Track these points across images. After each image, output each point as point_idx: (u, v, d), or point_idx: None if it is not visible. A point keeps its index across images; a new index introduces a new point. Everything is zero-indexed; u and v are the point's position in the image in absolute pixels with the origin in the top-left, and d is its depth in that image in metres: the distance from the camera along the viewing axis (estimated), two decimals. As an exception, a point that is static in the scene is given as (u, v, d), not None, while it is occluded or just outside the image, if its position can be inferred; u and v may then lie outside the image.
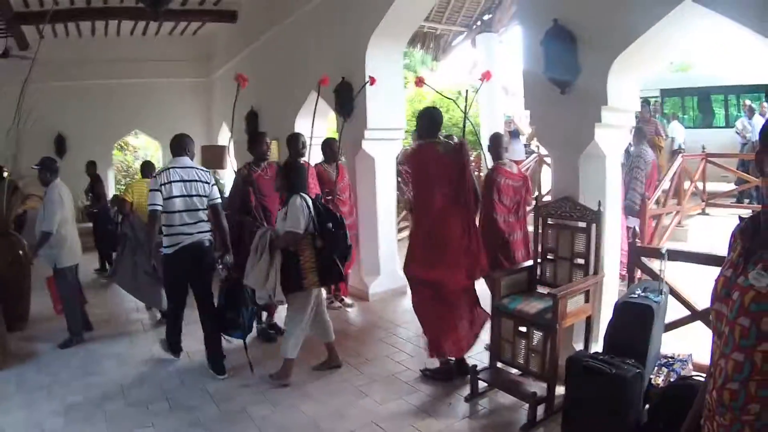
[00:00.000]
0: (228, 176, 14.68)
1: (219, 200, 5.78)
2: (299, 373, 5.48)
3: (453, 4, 13.30)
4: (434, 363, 5.35)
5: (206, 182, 5.63)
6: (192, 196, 5.48)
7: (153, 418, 4.73)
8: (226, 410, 4.83)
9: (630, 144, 7.81)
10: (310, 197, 5.25)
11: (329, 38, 8.70)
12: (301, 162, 6.46)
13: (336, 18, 8.49)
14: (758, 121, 12.71)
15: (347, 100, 8.00)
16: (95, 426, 4.62)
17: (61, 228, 6.35)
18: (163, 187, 5.34)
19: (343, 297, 7.80)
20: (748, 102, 14.52)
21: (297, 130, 9.17)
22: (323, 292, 5.73)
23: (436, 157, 5.07)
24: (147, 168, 7.31)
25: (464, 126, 6.07)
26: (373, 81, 7.42)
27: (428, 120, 5.30)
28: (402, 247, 8.60)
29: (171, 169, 5.50)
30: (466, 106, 5.87)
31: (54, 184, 6.49)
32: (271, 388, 5.22)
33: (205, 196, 5.58)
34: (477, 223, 5.26)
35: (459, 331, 5.19)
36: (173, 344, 6.01)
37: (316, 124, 8.95)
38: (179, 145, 5.80)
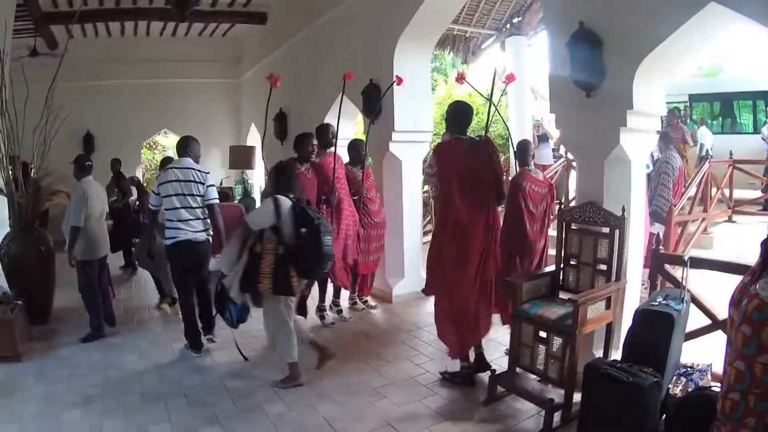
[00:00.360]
0: (257, 176, 14.79)
1: (216, 200, 6.16)
2: (316, 373, 5.48)
3: (482, 7, 13.26)
4: (455, 366, 5.34)
5: (202, 183, 6.01)
6: (186, 195, 5.91)
7: (170, 412, 4.76)
8: (243, 408, 4.85)
9: (655, 150, 7.75)
10: (297, 200, 5.21)
11: (357, 40, 8.70)
12: (329, 153, 6.73)
13: (364, 20, 8.49)
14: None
15: (375, 101, 7.99)
16: (112, 419, 4.66)
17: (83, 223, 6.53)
18: (160, 187, 5.92)
19: (367, 298, 7.80)
20: None
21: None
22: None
23: (461, 153, 5.06)
24: (166, 163, 7.42)
25: (487, 124, 6.01)
26: (399, 81, 7.39)
27: (456, 114, 5.31)
28: (426, 249, 8.65)
29: (170, 170, 6.00)
30: (489, 108, 5.84)
31: (82, 181, 6.73)
32: (289, 388, 5.22)
33: (200, 196, 5.99)
34: (500, 221, 5.23)
35: (478, 324, 5.21)
36: (193, 341, 6.18)
37: (345, 127, 8.99)
38: (183, 147, 6.23)
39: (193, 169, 6.03)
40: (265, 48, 13.57)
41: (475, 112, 6.30)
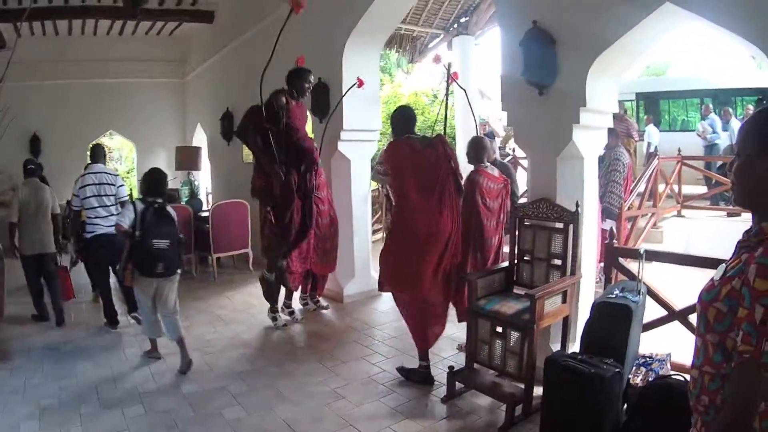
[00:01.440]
0: (203, 177, 14.64)
1: (126, 198, 7.16)
2: (274, 375, 5.47)
3: (431, 6, 13.27)
4: (412, 362, 5.35)
5: (113, 185, 7.10)
6: (102, 195, 6.97)
7: (128, 421, 4.65)
8: (202, 413, 4.77)
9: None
10: (153, 204, 5.73)
11: (307, 39, 8.63)
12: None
13: (313, 19, 8.43)
14: (736, 126, 12.82)
15: (323, 100, 7.96)
16: (70, 429, 4.54)
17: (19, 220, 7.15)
18: (79, 190, 6.91)
19: (318, 299, 7.75)
20: (709, 107, 14.66)
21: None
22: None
23: (415, 151, 5.07)
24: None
25: (446, 123, 6.04)
26: (361, 83, 7.39)
27: (401, 118, 5.33)
28: (376, 248, 8.62)
29: (86, 175, 7.02)
30: (445, 103, 5.87)
31: (24, 182, 7.38)
32: (247, 391, 5.17)
33: (113, 195, 7.06)
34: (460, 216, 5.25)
35: (439, 324, 5.27)
36: (111, 319, 7.05)
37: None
38: (95, 154, 7.35)
39: (106, 172, 7.17)
40: (212, 48, 13.42)
41: (420, 111, 6.35)
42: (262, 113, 6.18)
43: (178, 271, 5.89)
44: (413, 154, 5.05)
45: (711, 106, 14.71)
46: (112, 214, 6.85)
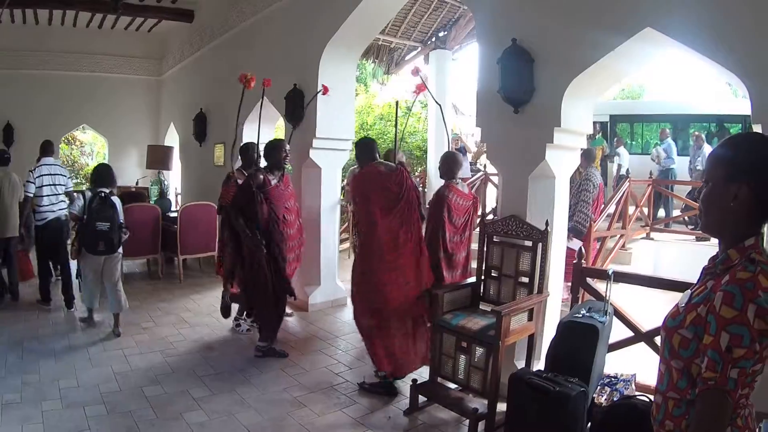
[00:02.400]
0: (173, 177, 14.55)
1: (72, 188, 8.17)
2: (237, 381, 5.44)
3: (409, 19, 13.32)
4: (371, 375, 5.37)
5: (64, 176, 8.18)
6: (54, 185, 7.90)
7: (90, 421, 4.58)
8: (163, 416, 4.71)
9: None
10: (101, 193, 6.61)
11: (284, 45, 8.63)
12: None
13: (292, 25, 8.44)
14: (708, 151, 12.98)
15: (298, 107, 7.95)
16: (32, 427, 4.46)
17: None
18: (36, 179, 7.72)
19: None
20: (666, 131, 14.85)
21: (245, 134, 9.13)
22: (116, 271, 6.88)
23: (381, 176, 5.11)
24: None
25: (395, 142, 6.05)
26: (326, 90, 7.39)
27: (364, 148, 5.50)
28: (342, 258, 8.61)
29: (42, 166, 7.90)
30: (396, 119, 5.91)
31: None
32: (210, 396, 5.13)
33: (63, 185, 8.03)
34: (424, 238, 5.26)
35: (406, 349, 5.24)
36: (45, 296, 7.90)
37: (267, 131, 9.00)
38: (46, 149, 8.22)
39: (57, 165, 8.23)
40: (190, 47, 13.42)
41: (393, 123, 6.40)
42: (249, 194, 5.99)
43: (120, 250, 6.79)
44: (380, 179, 5.11)
45: (668, 130, 14.86)
46: (61, 201, 7.91)
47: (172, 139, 14.77)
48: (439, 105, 7.88)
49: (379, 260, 5.06)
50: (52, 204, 7.80)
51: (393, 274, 5.04)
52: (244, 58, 10.07)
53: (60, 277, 8.02)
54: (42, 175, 7.77)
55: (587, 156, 8.32)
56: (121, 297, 6.80)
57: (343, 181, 10.06)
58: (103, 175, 6.90)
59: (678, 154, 14.13)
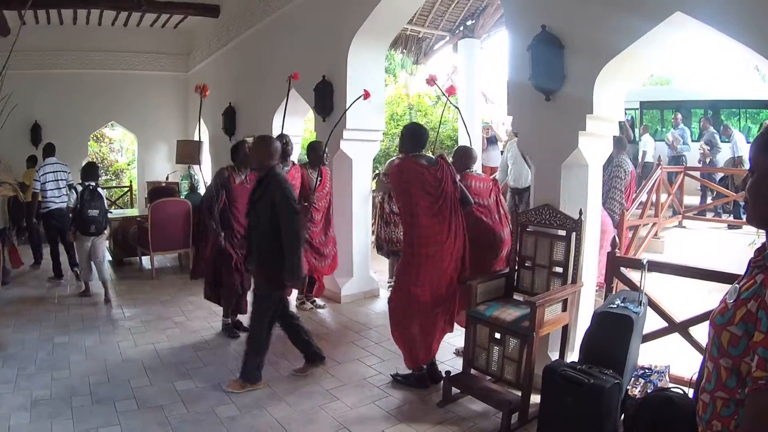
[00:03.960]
0: (202, 172, 14.59)
1: (72, 182, 9.04)
2: (269, 375, 5.41)
3: (437, 8, 13.22)
4: (405, 368, 5.30)
5: (65, 171, 9.54)
6: (57, 180, 9.32)
7: (120, 416, 4.60)
8: (194, 411, 4.72)
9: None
10: (90, 186, 8.03)
11: (311, 37, 8.62)
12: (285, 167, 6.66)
13: (319, 17, 8.41)
14: (739, 138, 12.79)
15: (327, 99, 7.92)
16: (62, 423, 4.48)
17: None
18: (42, 176, 9.19)
19: (315, 298, 7.73)
20: (678, 117, 14.63)
21: (274, 128, 9.14)
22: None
23: (421, 169, 5.01)
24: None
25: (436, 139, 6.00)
26: (367, 95, 7.29)
27: (412, 135, 5.25)
28: (374, 249, 8.57)
29: (46, 165, 9.37)
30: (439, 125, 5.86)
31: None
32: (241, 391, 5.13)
33: (64, 180, 9.36)
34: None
35: (436, 338, 5.20)
36: (57, 273, 9.48)
37: (296, 123, 9.00)
38: (49, 150, 9.69)
39: (59, 163, 9.57)
40: (216, 42, 13.43)
41: (423, 113, 6.33)
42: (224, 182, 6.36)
43: (105, 231, 8.47)
44: (420, 174, 5.00)
45: (680, 116, 14.62)
46: (63, 195, 9.10)
47: (200, 133, 14.80)
48: (458, 108, 7.80)
49: (419, 254, 5.00)
50: (55, 197, 9.29)
51: (429, 269, 4.98)
52: (271, 51, 10.07)
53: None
54: (46, 173, 9.27)
55: (618, 144, 8.21)
56: (105, 270, 8.40)
57: (375, 171, 10.03)
58: (90, 171, 8.34)
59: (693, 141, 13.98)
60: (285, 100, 7.27)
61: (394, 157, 7.06)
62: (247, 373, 5.16)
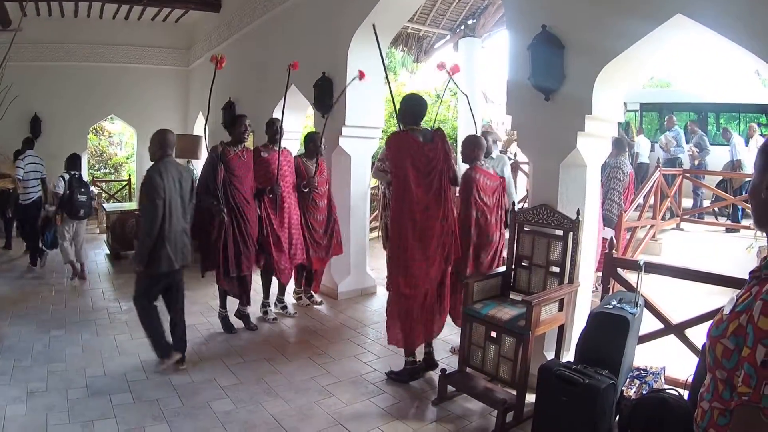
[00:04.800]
0: (201, 166, 14.58)
1: (45, 175, 10.23)
2: (264, 370, 5.46)
3: (438, 7, 13.21)
4: (399, 365, 5.32)
5: (41, 164, 10.14)
6: (36, 172, 9.94)
7: (116, 409, 4.61)
8: (190, 405, 4.73)
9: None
10: (75, 174, 8.77)
11: (312, 33, 8.62)
12: (274, 149, 6.77)
13: (320, 13, 8.41)
14: (738, 141, 12.81)
15: (327, 95, 7.91)
16: (57, 415, 4.49)
17: None
18: (25, 166, 9.74)
19: (313, 294, 7.72)
20: (672, 119, 14.61)
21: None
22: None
23: (416, 143, 5.03)
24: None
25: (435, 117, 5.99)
26: (362, 75, 7.23)
27: (410, 106, 5.28)
28: (373, 246, 8.57)
29: (27, 157, 9.91)
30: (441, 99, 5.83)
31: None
32: (237, 384, 5.15)
33: (39, 172, 10.03)
34: (455, 212, 5.21)
35: (432, 321, 5.21)
36: (35, 256, 9.88)
37: (297, 119, 8.98)
38: (29, 143, 10.41)
39: (37, 156, 10.18)
40: (217, 36, 13.45)
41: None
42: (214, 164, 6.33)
43: (89, 215, 9.08)
44: (414, 148, 5.02)
45: (674, 119, 14.61)
46: (39, 185, 10.07)
47: (200, 128, 14.77)
48: (466, 95, 7.78)
49: (410, 228, 5.01)
50: (34, 187, 9.96)
51: (420, 245, 4.99)
52: (271, 47, 10.07)
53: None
54: (28, 164, 9.84)
55: (618, 145, 8.21)
56: (85, 252, 9.38)
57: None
58: (75, 161, 9.00)
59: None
60: (285, 90, 7.24)
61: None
62: (155, 351, 5.46)
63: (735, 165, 12.38)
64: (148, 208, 5.15)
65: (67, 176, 8.63)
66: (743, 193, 12.04)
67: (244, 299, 6.72)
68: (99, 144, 22.63)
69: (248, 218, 6.42)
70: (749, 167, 12.26)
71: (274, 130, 6.85)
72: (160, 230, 5.18)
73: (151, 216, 5.13)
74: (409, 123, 5.20)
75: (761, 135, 13.65)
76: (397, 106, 5.44)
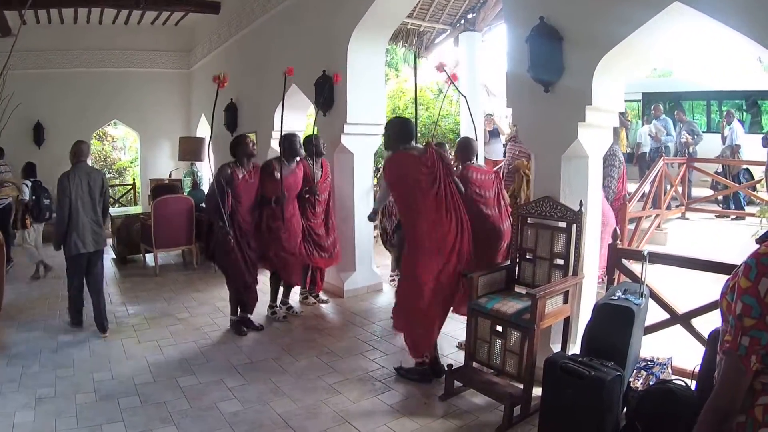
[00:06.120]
0: (205, 168, 14.61)
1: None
2: (271, 369, 5.46)
3: (437, 2, 13.19)
4: (409, 362, 5.30)
5: (9, 172, 10.43)
6: (4, 180, 9.99)
7: (124, 413, 4.61)
8: (197, 406, 4.73)
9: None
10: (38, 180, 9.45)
11: (311, 31, 8.61)
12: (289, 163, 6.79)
13: (319, 11, 8.40)
14: (737, 127, 12.73)
15: (327, 93, 7.89)
16: (65, 420, 4.50)
17: None
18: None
19: (318, 293, 7.72)
20: (659, 107, 14.54)
21: (276, 123, 9.13)
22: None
23: (414, 160, 5.00)
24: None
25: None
26: (337, 79, 7.48)
27: (399, 129, 5.27)
28: (377, 243, 8.56)
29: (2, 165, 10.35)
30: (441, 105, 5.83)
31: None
32: (244, 384, 5.15)
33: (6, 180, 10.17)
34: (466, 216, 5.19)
35: (436, 329, 5.17)
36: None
37: (298, 119, 9.00)
38: (2, 151, 10.49)
39: (5, 164, 10.52)
40: (217, 38, 13.44)
41: (425, 107, 6.33)
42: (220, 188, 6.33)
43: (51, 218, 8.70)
44: (413, 164, 4.99)
45: (661, 107, 14.54)
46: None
47: (203, 130, 14.81)
48: (464, 96, 7.77)
49: (422, 248, 4.98)
50: (3, 195, 10.02)
51: (431, 263, 4.95)
52: (272, 47, 10.08)
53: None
54: (2, 173, 10.22)
55: (613, 134, 8.21)
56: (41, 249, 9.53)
57: (376, 165, 10.05)
58: (32, 169, 9.55)
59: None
60: (282, 96, 7.24)
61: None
62: (69, 317, 6.85)
63: (734, 150, 12.31)
64: (58, 203, 6.44)
65: (30, 183, 9.21)
66: (741, 179, 12.04)
67: (249, 308, 6.77)
68: (103, 149, 22.67)
69: (247, 234, 6.54)
70: (746, 154, 12.26)
71: (289, 146, 6.82)
72: (69, 220, 6.31)
73: (60, 209, 6.39)
74: (400, 144, 5.19)
75: (739, 121, 13.62)
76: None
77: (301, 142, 7.08)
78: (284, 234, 6.69)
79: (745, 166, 12.37)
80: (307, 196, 7.04)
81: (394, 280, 8.03)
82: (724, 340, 1.84)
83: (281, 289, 7.18)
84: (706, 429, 1.85)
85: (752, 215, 10.40)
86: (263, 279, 7.07)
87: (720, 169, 12.43)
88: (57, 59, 14.68)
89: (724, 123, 13.40)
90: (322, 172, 7.19)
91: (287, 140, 6.84)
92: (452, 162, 5.54)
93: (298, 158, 6.89)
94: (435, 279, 4.96)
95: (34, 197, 9.03)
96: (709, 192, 12.42)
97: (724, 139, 12.95)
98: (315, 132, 7.60)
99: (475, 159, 5.90)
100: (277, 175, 6.61)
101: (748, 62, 20.21)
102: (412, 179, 4.97)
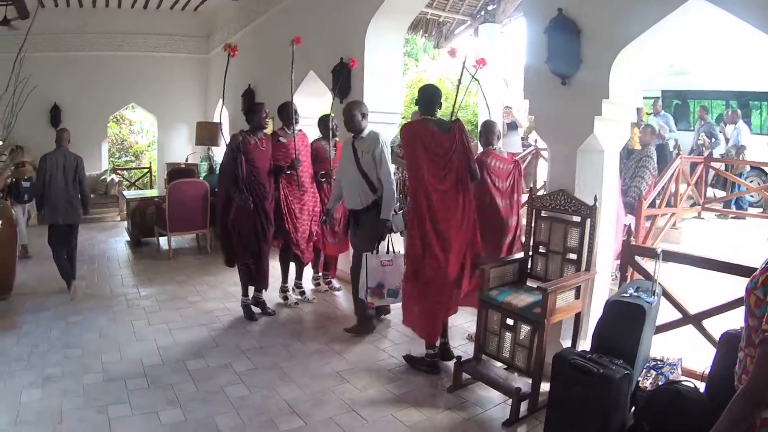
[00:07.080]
0: (221, 153, 14.62)
1: None
2: (280, 355, 5.47)
3: (457, -8, 13.20)
4: (419, 349, 5.30)
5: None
6: None
7: (130, 394, 4.64)
8: (204, 390, 4.75)
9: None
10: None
11: (330, 18, 8.57)
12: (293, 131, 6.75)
13: (337, -3, 8.38)
14: (742, 127, 12.60)
15: (345, 81, 7.87)
16: (72, 399, 4.52)
17: None
18: None
19: (331, 280, 7.73)
20: (658, 104, 14.37)
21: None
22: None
23: (429, 133, 4.99)
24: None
25: (454, 105, 5.94)
26: (353, 63, 7.52)
27: (421, 96, 5.25)
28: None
29: None
30: (458, 86, 5.77)
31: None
32: (252, 370, 5.16)
33: None
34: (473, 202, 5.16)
35: (446, 312, 5.16)
36: None
37: (315, 104, 8.96)
38: None
39: None
40: (236, 24, 13.41)
41: (444, 98, 6.27)
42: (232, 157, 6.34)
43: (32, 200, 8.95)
44: (427, 137, 4.98)
45: (660, 103, 14.36)
46: None
47: (220, 115, 14.80)
48: (477, 81, 7.73)
49: (427, 222, 4.97)
50: None
51: (438, 240, 4.95)
52: (290, 33, 9.94)
53: None
54: None
55: (646, 132, 8.17)
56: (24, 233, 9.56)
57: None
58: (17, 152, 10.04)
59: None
60: (291, 66, 7.20)
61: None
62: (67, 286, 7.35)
63: (739, 150, 12.19)
64: (37, 177, 7.46)
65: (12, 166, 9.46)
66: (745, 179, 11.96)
67: (261, 285, 6.71)
68: (120, 132, 22.72)
69: (264, 206, 6.44)
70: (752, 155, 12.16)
71: (287, 114, 6.82)
72: (45, 194, 7.17)
73: (37, 182, 7.43)
74: (422, 112, 5.18)
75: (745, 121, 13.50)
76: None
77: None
78: (298, 205, 6.75)
79: (748, 167, 12.30)
80: (323, 179, 7.05)
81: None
82: (762, 329, 1.82)
83: (293, 267, 7.18)
84: (736, 416, 1.84)
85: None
86: (275, 264, 7.06)
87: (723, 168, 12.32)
88: (75, 42, 14.67)
89: (724, 124, 13.32)
90: (335, 150, 7.15)
91: (284, 109, 6.95)
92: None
93: (299, 127, 6.91)
94: (439, 267, 4.95)
95: (14, 179, 9.01)
96: (721, 193, 12.30)
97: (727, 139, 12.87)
98: (327, 113, 7.58)
99: (497, 143, 5.87)
100: (283, 139, 6.68)
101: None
102: (419, 150, 4.98)
